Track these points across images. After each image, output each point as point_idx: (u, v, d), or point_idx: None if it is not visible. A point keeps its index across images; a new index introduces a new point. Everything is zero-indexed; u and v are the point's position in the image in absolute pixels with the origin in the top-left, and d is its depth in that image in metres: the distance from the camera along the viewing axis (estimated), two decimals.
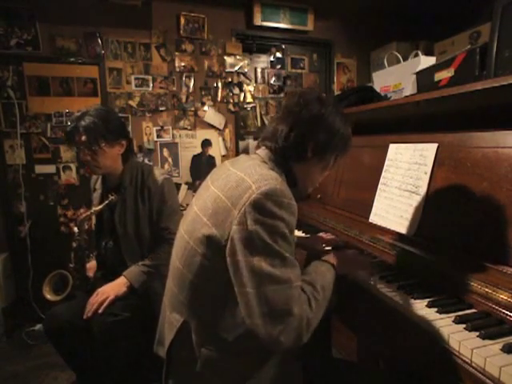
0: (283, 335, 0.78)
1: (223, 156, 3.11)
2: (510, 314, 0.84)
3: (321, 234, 1.51)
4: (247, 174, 0.88)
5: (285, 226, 0.82)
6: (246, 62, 3.10)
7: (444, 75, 1.39)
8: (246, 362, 0.91)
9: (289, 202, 0.84)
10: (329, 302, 0.93)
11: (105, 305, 1.41)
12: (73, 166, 2.69)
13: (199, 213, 0.93)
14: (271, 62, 3.28)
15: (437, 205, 1.17)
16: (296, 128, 0.95)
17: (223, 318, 0.90)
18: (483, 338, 0.78)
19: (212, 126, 3.06)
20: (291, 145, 0.96)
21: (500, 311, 0.86)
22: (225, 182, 0.90)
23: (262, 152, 1.00)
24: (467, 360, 0.75)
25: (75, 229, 1.59)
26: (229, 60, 3.03)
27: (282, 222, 0.82)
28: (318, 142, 0.96)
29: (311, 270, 0.97)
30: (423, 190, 1.22)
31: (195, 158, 3.04)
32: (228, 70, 3.04)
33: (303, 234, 1.67)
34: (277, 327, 0.78)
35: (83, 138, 1.46)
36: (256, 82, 3.24)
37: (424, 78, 1.51)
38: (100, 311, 1.40)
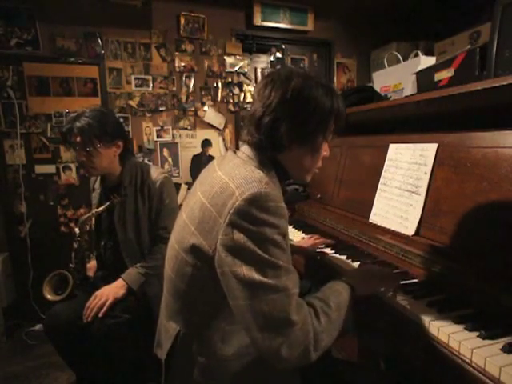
0: (284, 348, 0.72)
1: None
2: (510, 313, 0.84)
3: (305, 240, 1.52)
4: (231, 177, 0.82)
5: (275, 232, 0.76)
6: (246, 61, 3.10)
7: (444, 75, 1.39)
8: (245, 367, 0.89)
9: (276, 205, 0.77)
10: (344, 321, 0.85)
11: (104, 309, 1.40)
12: (73, 166, 2.69)
13: (187, 221, 0.89)
14: (271, 62, 3.28)
15: (437, 205, 1.17)
16: (266, 115, 0.85)
17: (218, 327, 0.88)
18: (483, 338, 0.78)
19: (212, 126, 3.06)
20: (264, 135, 0.86)
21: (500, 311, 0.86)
22: (209, 188, 0.85)
23: (245, 149, 0.92)
24: (467, 360, 0.75)
25: (76, 229, 1.59)
26: (229, 60, 3.03)
27: (270, 227, 0.76)
28: (292, 126, 0.85)
29: (325, 288, 0.90)
30: (423, 190, 1.22)
31: (195, 157, 3.04)
32: (228, 69, 3.04)
33: (303, 234, 1.67)
34: (276, 340, 0.72)
35: (78, 139, 1.46)
36: (256, 81, 3.24)
37: (424, 78, 1.51)
38: (100, 315, 1.39)
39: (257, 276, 0.73)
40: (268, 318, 0.73)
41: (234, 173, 0.83)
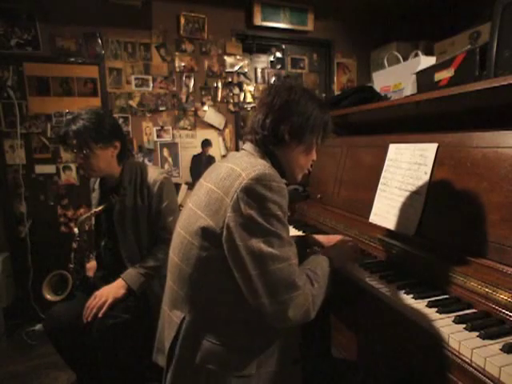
0: (290, 310, 0.83)
1: (223, 156, 3.11)
2: (510, 313, 0.84)
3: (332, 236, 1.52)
4: (236, 164, 0.92)
5: (277, 208, 0.86)
6: (246, 62, 3.10)
7: (444, 75, 1.39)
8: (247, 357, 0.91)
9: (279, 185, 0.87)
10: (326, 290, 0.97)
11: (103, 309, 1.40)
12: (73, 166, 2.69)
13: (193, 207, 0.96)
14: (271, 62, 3.28)
15: (437, 205, 1.17)
16: (270, 115, 0.99)
17: (223, 311, 0.91)
18: (483, 338, 0.78)
19: (212, 126, 3.06)
20: (268, 131, 0.99)
21: (500, 311, 0.86)
22: (216, 175, 0.94)
23: (247, 146, 1.04)
24: (467, 360, 0.75)
25: (75, 230, 1.59)
26: (229, 60, 3.03)
27: (274, 204, 0.85)
28: (293, 125, 0.99)
29: (310, 261, 1.03)
30: (423, 189, 1.22)
31: (195, 157, 3.04)
32: (228, 69, 3.04)
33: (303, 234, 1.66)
34: (284, 303, 0.83)
35: (74, 141, 1.46)
36: (256, 81, 3.24)
37: (424, 78, 1.51)
38: (100, 315, 1.39)
39: (264, 247, 0.83)
40: (276, 284, 0.83)
41: (239, 161, 0.93)
